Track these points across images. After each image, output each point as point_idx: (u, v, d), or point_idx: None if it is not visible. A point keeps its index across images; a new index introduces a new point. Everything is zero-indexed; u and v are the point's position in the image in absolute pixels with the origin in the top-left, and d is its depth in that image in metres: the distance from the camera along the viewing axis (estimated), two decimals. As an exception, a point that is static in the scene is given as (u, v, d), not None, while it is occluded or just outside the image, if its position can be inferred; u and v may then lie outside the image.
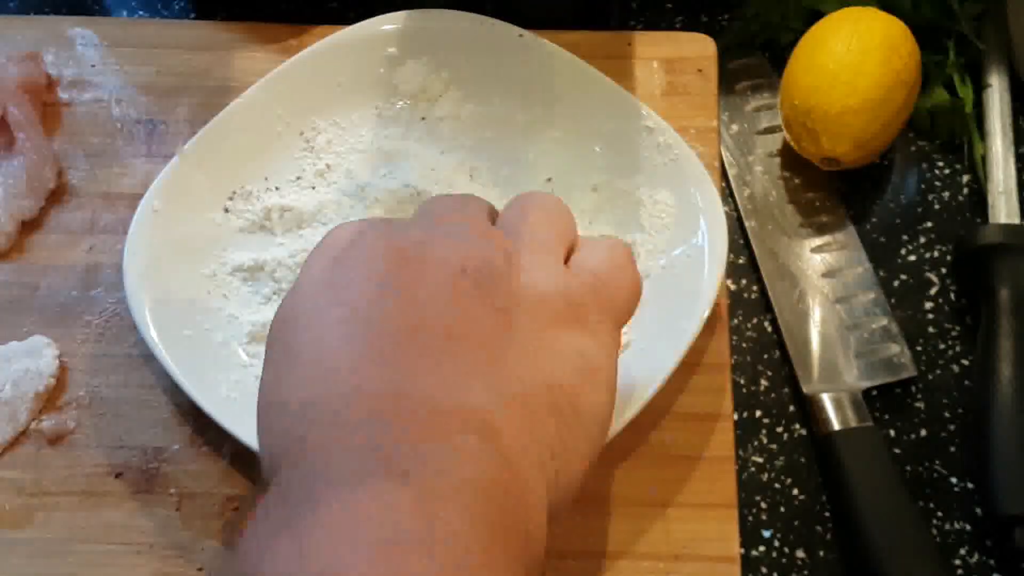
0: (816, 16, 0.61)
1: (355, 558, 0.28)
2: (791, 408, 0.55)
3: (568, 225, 0.41)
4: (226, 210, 0.56)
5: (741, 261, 0.59)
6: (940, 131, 0.62)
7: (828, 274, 0.58)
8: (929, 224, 0.60)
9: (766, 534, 0.53)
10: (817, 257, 0.58)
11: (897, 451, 0.55)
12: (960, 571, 0.52)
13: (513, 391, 0.34)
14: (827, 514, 0.53)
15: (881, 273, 0.58)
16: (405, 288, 0.35)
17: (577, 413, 0.36)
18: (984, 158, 0.60)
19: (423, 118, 0.58)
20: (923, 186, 0.61)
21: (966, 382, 0.56)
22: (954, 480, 0.54)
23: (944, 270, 0.59)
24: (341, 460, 0.31)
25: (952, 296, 0.58)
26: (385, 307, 0.34)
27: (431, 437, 0.31)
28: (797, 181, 0.61)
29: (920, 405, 0.56)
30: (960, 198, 0.61)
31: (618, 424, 0.47)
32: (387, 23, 0.59)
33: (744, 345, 0.57)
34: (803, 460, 0.54)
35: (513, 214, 0.40)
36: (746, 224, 0.59)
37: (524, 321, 0.35)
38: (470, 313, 0.35)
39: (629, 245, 0.41)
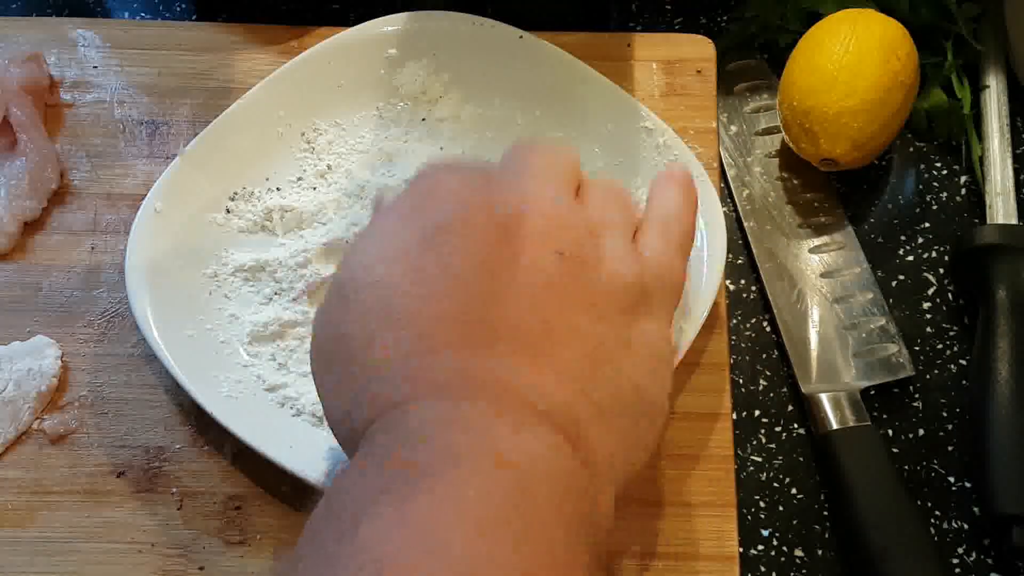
0: (814, 18, 0.61)
1: (455, 534, 0.30)
2: (790, 407, 0.56)
3: (630, 208, 0.43)
4: (227, 210, 0.56)
5: (740, 261, 0.59)
6: (938, 132, 0.62)
7: (826, 274, 0.58)
8: (927, 225, 0.60)
9: (765, 533, 0.53)
10: (815, 257, 0.59)
11: (895, 450, 0.55)
12: (958, 570, 0.52)
13: (600, 395, 0.36)
14: (825, 513, 0.53)
15: (879, 273, 0.59)
16: (507, 269, 0.36)
17: (645, 409, 0.38)
18: (982, 159, 0.61)
19: (424, 119, 0.59)
20: (921, 187, 0.62)
21: (964, 382, 0.56)
22: (952, 479, 0.54)
23: (942, 270, 0.59)
24: (443, 435, 0.32)
25: (950, 296, 0.58)
26: (491, 290, 0.36)
27: (527, 430, 0.33)
28: (796, 182, 0.61)
29: (918, 405, 0.56)
30: (958, 199, 0.61)
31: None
32: (388, 25, 0.59)
33: (743, 345, 0.57)
34: (801, 459, 0.54)
35: (597, 191, 0.41)
36: (745, 224, 0.60)
37: (611, 314, 0.37)
38: (567, 307, 0.36)
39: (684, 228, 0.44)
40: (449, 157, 0.44)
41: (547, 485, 0.33)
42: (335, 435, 0.39)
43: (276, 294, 0.54)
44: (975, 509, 0.53)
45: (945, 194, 0.61)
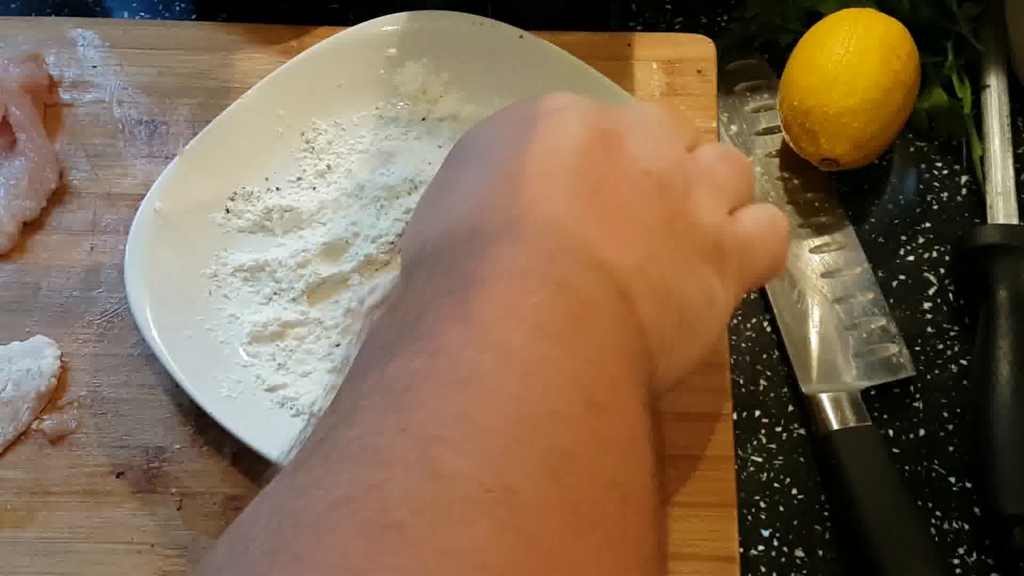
0: (815, 17, 0.61)
1: (513, 335, 0.32)
2: (790, 408, 0.56)
3: (749, 187, 0.44)
4: (227, 210, 0.56)
5: (740, 261, 0.59)
6: (939, 132, 0.62)
7: (827, 274, 0.58)
8: (928, 224, 0.60)
9: (765, 533, 0.53)
10: (816, 257, 0.59)
11: (896, 451, 0.55)
12: (958, 570, 0.52)
13: (657, 280, 0.38)
14: (826, 513, 0.53)
15: (880, 273, 0.59)
16: (599, 164, 0.39)
17: (692, 331, 0.40)
18: (982, 159, 0.61)
19: (423, 119, 0.58)
20: (922, 187, 0.61)
21: (964, 382, 0.56)
22: (953, 480, 0.54)
23: (943, 270, 0.59)
24: (513, 252, 0.35)
25: (951, 296, 0.58)
26: (584, 169, 0.39)
27: (591, 271, 0.36)
28: (796, 182, 0.61)
29: (919, 405, 0.56)
30: (959, 199, 0.61)
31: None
32: (387, 24, 0.59)
33: (743, 345, 0.57)
34: (802, 460, 0.54)
35: (710, 155, 0.44)
36: (745, 224, 0.60)
37: (680, 237, 0.39)
38: (646, 206, 0.39)
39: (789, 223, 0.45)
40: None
41: (605, 318, 0.35)
42: (407, 252, 0.41)
43: (276, 294, 0.54)
44: (976, 510, 0.53)
45: (946, 194, 0.61)
